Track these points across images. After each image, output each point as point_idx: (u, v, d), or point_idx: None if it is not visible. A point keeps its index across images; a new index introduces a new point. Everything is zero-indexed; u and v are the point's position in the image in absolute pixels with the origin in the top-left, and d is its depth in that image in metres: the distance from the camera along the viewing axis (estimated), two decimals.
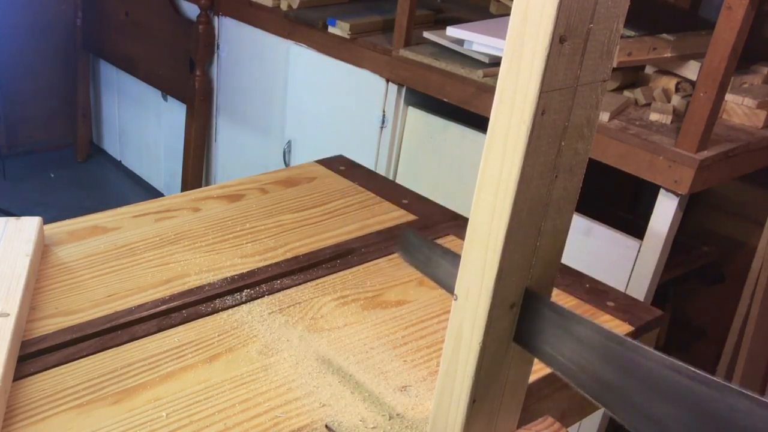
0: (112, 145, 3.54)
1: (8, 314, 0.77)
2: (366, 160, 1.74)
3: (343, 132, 2.16)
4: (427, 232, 1.08)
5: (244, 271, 0.95)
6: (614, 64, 1.55)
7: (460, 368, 0.58)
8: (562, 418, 0.76)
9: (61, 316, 0.83)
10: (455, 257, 0.62)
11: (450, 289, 0.61)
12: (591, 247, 1.58)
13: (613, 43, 0.52)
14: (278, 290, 0.92)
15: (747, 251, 1.80)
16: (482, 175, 0.53)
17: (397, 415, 0.73)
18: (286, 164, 2.37)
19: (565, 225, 0.58)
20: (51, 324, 0.82)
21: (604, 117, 1.52)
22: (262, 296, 0.90)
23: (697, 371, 0.46)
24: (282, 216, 1.10)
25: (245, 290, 0.91)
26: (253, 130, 2.57)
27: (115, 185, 3.40)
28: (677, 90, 1.63)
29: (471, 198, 0.54)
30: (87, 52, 3.33)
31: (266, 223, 1.07)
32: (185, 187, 2.84)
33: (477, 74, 1.74)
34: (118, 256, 0.97)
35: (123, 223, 1.05)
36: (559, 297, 0.94)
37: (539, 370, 0.79)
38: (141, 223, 1.04)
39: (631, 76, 1.68)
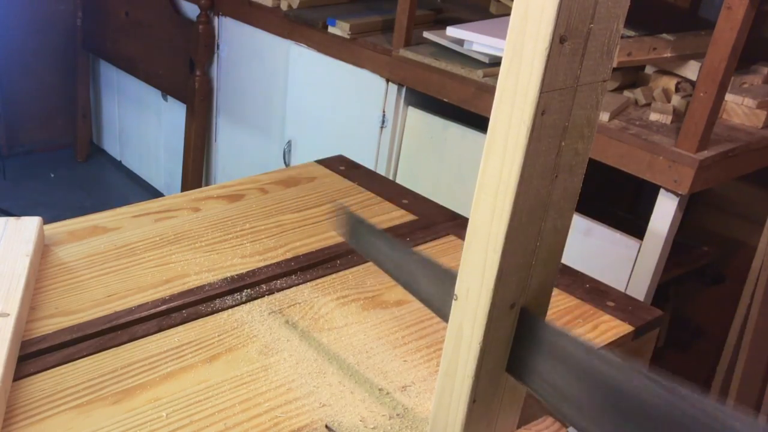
0: (112, 145, 3.54)
1: (8, 314, 0.77)
2: (366, 160, 1.74)
3: (343, 132, 2.16)
4: (427, 232, 1.08)
5: (244, 271, 0.95)
6: (614, 64, 1.55)
7: (460, 368, 0.58)
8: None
9: (61, 316, 0.83)
10: (390, 241, 0.71)
11: (390, 273, 0.69)
12: (591, 247, 1.58)
13: (613, 43, 0.52)
14: (278, 290, 0.92)
15: (747, 251, 1.80)
16: (482, 175, 0.53)
17: (397, 415, 0.73)
18: (286, 164, 2.37)
19: (565, 225, 0.58)
20: (51, 324, 0.82)
21: (604, 117, 1.52)
22: (262, 296, 0.90)
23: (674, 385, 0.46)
24: (282, 216, 1.10)
25: (245, 290, 0.91)
26: (253, 130, 2.56)
27: (115, 185, 3.40)
28: (677, 90, 1.63)
29: (471, 198, 0.54)
30: (87, 52, 3.33)
31: (266, 223, 1.07)
32: (185, 187, 2.84)
33: (477, 74, 1.74)
34: (118, 256, 0.97)
35: (123, 223, 1.05)
36: (559, 297, 0.94)
37: None
38: (141, 223, 1.04)
39: (631, 76, 1.68)
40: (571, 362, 0.53)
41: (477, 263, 0.54)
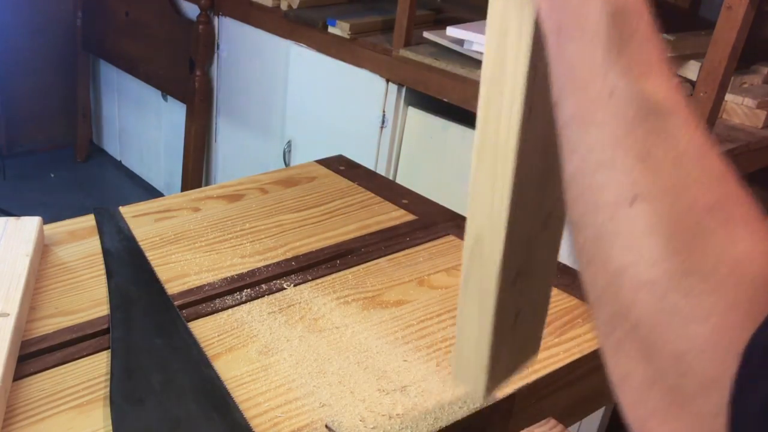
0: (112, 145, 3.54)
1: (8, 314, 0.77)
2: (366, 160, 1.74)
3: (343, 132, 2.16)
4: (427, 232, 1.08)
5: (244, 271, 0.95)
6: None
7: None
8: (561, 418, 0.76)
9: (61, 316, 0.83)
10: None
11: None
12: None
13: None
14: (278, 290, 0.92)
15: None
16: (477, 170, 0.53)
17: (397, 415, 0.73)
18: (286, 164, 2.37)
19: (563, 223, 0.58)
20: (51, 324, 0.82)
21: None
22: (262, 296, 0.90)
23: None
24: (282, 216, 1.10)
25: (245, 290, 0.91)
26: (253, 130, 2.57)
27: (115, 185, 3.40)
28: None
29: None
30: (87, 52, 3.33)
31: (266, 223, 1.07)
32: (185, 187, 2.84)
33: (477, 74, 1.73)
34: None
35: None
36: (559, 297, 0.94)
37: (539, 370, 0.79)
38: (141, 223, 1.04)
39: None
40: None
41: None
